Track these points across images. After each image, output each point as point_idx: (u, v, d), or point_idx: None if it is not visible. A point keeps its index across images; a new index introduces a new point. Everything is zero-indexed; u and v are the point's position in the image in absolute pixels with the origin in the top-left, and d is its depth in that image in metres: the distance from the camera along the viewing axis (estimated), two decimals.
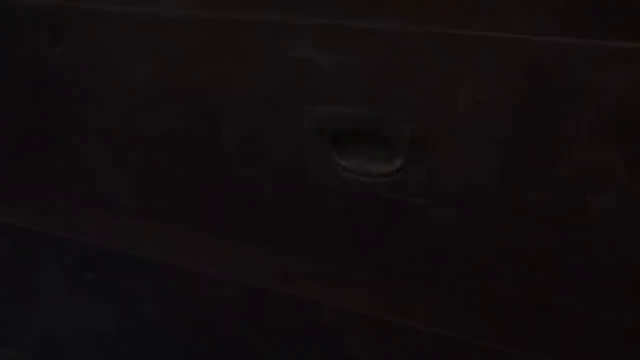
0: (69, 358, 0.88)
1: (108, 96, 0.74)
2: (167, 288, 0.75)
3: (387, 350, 0.61)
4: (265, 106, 0.62)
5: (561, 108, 0.50)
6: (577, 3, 0.49)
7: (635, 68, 0.47)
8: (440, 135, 0.54)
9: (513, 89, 0.52)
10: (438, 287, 0.58)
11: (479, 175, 0.54)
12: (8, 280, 0.91)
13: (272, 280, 0.65)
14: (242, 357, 0.70)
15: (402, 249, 0.59)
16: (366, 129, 0.58)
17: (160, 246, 0.76)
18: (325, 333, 0.63)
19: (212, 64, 0.64)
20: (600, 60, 0.48)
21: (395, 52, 0.55)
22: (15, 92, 0.80)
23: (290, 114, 0.61)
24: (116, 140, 0.75)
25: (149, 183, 0.74)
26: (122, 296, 0.81)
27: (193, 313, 0.73)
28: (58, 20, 0.74)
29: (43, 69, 0.77)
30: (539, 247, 0.53)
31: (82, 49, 0.74)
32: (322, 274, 0.63)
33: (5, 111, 0.83)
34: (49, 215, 0.84)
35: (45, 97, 0.79)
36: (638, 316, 0.51)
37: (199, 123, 0.68)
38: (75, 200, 0.81)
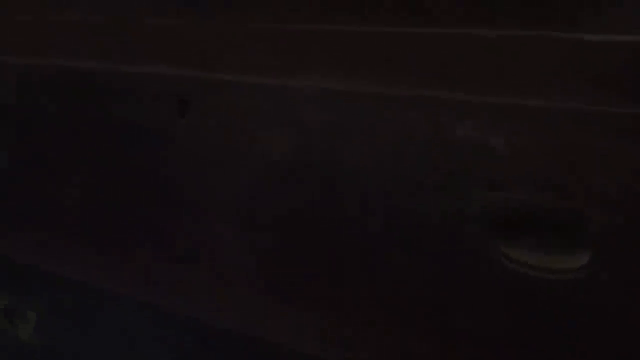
0: None
1: (236, 169, 0.70)
2: None
3: None
4: (421, 187, 0.57)
5: None
6: None
7: None
8: (637, 227, 0.48)
9: None
10: None
11: None
12: (115, 346, 0.88)
13: None
14: None
15: (583, 353, 0.52)
16: (541, 218, 0.52)
17: (284, 329, 0.71)
18: None
19: (361, 139, 0.60)
20: None
21: (579, 133, 0.49)
22: (135, 160, 0.78)
23: (450, 197, 0.56)
24: (242, 214, 0.71)
25: (276, 261, 0.70)
26: None
27: None
28: (186, 91, 0.72)
29: (167, 139, 0.74)
30: None
31: (210, 121, 0.71)
32: None
33: (124, 179, 0.81)
34: (159, 286, 0.81)
35: (167, 167, 0.76)
36: None
37: (338, 201, 0.63)
38: (191, 273, 0.78)
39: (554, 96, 0.49)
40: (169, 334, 0.82)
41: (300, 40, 0.63)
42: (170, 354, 0.83)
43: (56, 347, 0.95)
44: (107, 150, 0.80)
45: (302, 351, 0.70)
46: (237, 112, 0.68)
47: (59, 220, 0.85)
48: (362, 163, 0.60)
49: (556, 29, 0.49)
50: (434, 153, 0.55)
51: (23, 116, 0.88)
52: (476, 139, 0.53)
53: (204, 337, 0.80)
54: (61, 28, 0.80)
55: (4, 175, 0.90)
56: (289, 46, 0.64)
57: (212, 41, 0.69)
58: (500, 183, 0.53)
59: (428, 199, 0.57)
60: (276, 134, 0.66)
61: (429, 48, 0.56)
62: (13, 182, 0.91)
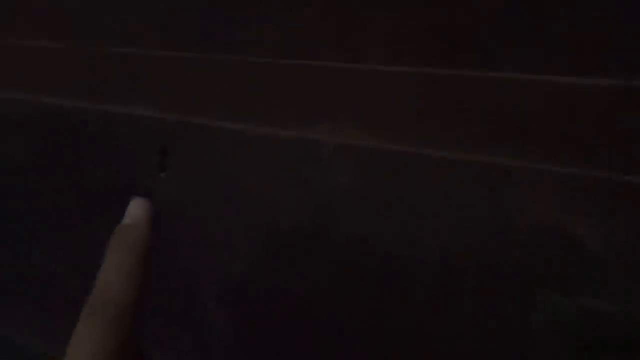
0: None
1: (227, 238, 0.56)
2: None
3: None
4: (472, 282, 0.43)
5: None
6: None
7: None
8: None
9: None
10: None
11: None
12: None
13: None
14: None
15: None
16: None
17: None
18: None
19: (398, 212, 0.45)
20: None
21: None
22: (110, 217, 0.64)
23: (512, 299, 0.41)
24: (234, 292, 0.57)
25: (274, 354, 0.55)
26: None
27: None
28: (168, 138, 0.57)
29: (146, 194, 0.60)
30: None
31: (197, 177, 0.57)
32: None
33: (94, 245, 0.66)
34: None
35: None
36: None
37: (366, 288, 0.48)
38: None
39: None
40: None
41: (315, 80, 0.49)
42: None
43: None
44: (77, 201, 0.66)
45: None
46: (232, 165, 0.54)
47: (27, 287, 0.71)
48: (393, 241, 0.46)
49: None
50: (491, 238, 0.41)
51: None
52: (553, 224, 0.38)
53: None
54: (27, 57, 0.67)
55: None
56: (300, 87, 0.50)
57: (203, 78, 0.55)
58: (585, 286, 0.39)
59: (482, 298, 0.42)
60: (283, 197, 0.52)
61: (485, 95, 0.42)
62: None
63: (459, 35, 0.42)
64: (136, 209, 0.41)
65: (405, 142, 0.45)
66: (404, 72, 0.45)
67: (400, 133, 0.45)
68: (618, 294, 0.38)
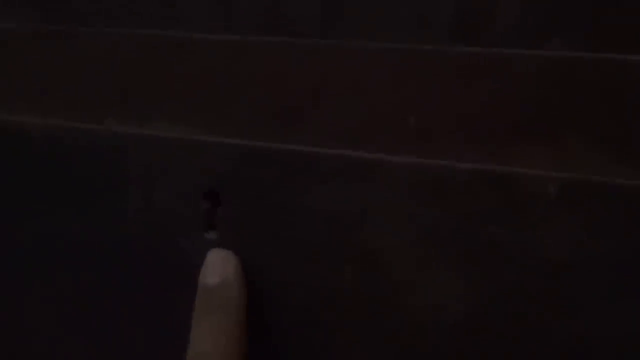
0: None
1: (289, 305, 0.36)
2: None
3: None
4: None
5: None
6: None
7: None
8: None
9: None
10: None
11: None
12: None
13: None
14: None
15: None
16: None
17: None
18: None
19: None
20: None
21: None
22: (143, 287, 0.42)
23: None
24: None
25: None
26: None
27: None
28: (218, 175, 0.37)
29: (184, 261, 0.39)
30: None
31: (250, 236, 0.36)
32: None
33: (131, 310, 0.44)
34: None
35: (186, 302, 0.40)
36: None
37: None
38: None
39: None
40: None
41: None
42: None
43: None
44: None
45: None
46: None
47: None
48: None
49: None
50: None
51: None
52: None
53: None
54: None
55: None
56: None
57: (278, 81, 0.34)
58: None
59: None
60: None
61: None
62: None
63: None
64: (222, 263, 0.36)
65: None
66: None
67: None
68: None
